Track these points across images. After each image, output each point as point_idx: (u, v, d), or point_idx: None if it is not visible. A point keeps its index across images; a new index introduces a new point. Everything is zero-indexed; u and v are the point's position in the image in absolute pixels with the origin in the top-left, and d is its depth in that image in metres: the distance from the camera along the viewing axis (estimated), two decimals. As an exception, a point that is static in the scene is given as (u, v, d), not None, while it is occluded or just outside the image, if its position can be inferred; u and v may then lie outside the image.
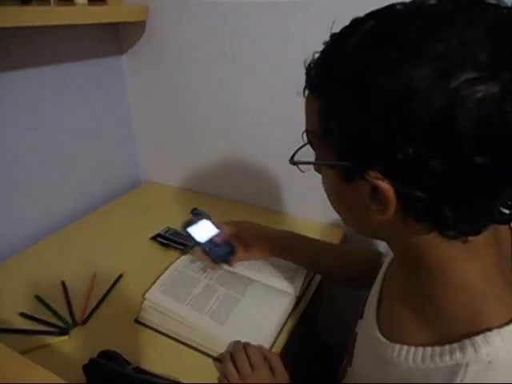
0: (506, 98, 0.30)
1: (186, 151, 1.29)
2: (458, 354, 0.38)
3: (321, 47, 0.40)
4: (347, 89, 0.35)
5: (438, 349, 0.40)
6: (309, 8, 0.89)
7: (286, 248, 0.84)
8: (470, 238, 0.38)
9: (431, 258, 0.41)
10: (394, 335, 0.47)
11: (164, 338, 0.76)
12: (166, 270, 0.88)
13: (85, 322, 0.78)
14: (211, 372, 0.70)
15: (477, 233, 0.37)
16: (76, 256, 0.98)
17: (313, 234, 1.06)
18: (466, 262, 0.40)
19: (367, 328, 0.55)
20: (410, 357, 0.43)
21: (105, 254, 0.99)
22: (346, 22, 0.39)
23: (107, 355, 0.65)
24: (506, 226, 0.48)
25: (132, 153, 1.36)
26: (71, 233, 1.08)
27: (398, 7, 0.35)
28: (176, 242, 1.02)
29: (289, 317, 0.79)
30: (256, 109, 1.09)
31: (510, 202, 0.35)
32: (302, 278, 0.86)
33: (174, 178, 1.35)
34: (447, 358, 0.39)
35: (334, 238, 1.05)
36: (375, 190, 0.37)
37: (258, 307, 0.78)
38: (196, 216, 0.92)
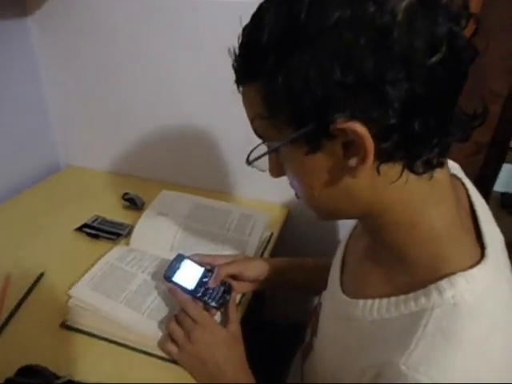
0: (422, 3, 0.33)
1: (110, 131, 1.16)
2: (423, 300, 0.38)
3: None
4: (282, 51, 0.35)
5: (402, 297, 0.41)
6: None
7: (283, 279, 0.78)
8: (435, 175, 0.39)
9: (402, 210, 0.41)
10: (357, 293, 0.48)
11: (98, 341, 0.67)
12: (95, 263, 0.78)
13: (-2, 333, 0.66)
14: (155, 372, 0.63)
15: (440, 163, 0.39)
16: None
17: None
18: (433, 208, 0.41)
19: (331, 294, 0.56)
20: (375, 309, 0.43)
21: (22, 249, 0.86)
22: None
23: (29, 371, 0.55)
24: (461, 186, 0.51)
25: (48, 134, 1.20)
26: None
27: None
28: (106, 231, 0.91)
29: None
30: (187, 84, 1.00)
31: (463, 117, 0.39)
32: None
33: (99, 161, 1.22)
34: (412, 304, 0.39)
35: (280, 215, 1.03)
36: (347, 144, 0.37)
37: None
38: (175, 260, 0.71)
